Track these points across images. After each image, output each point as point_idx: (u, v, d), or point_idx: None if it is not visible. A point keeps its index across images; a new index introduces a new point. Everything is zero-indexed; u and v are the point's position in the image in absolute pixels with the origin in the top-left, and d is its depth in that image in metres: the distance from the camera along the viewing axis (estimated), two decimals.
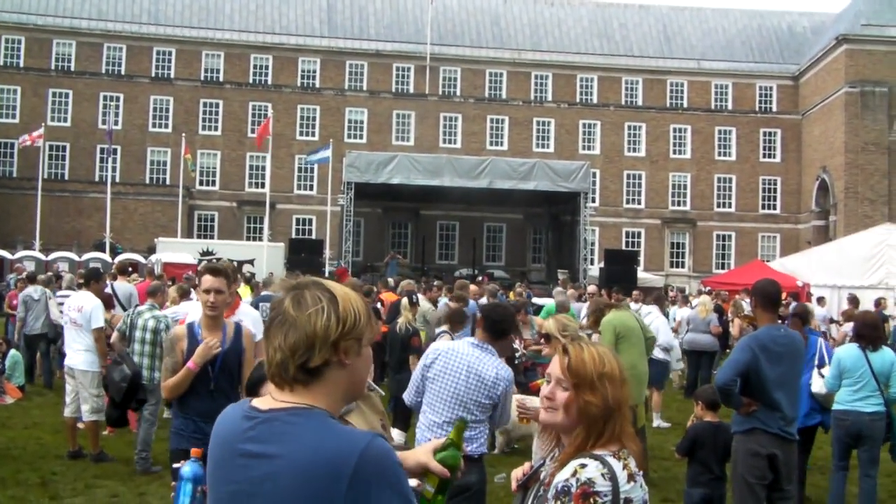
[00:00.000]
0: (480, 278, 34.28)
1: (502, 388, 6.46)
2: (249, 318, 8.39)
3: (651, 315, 16.76)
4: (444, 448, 3.00)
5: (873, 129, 58.17)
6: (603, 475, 3.12)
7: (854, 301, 22.66)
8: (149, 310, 11.67)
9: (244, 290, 20.42)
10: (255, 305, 17.48)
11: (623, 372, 3.34)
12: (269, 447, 2.57)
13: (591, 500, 3.08)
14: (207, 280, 6.71)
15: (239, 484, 2.61)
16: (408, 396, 6.78)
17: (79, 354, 12.02)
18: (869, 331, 9.77)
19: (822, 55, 63.01)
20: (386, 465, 2.53)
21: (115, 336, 11.81)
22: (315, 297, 2.64)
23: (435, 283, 26.31)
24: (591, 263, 44.31)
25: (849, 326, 18.70)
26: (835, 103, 60.25)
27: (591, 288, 23.92)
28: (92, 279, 12.90)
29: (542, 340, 8.46)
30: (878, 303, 23.67)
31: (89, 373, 11.87)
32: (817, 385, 10.20)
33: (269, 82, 65.01)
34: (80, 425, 12.07)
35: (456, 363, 6.50)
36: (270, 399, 2.66)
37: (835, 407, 9.74)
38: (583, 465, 3.14)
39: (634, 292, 22.86)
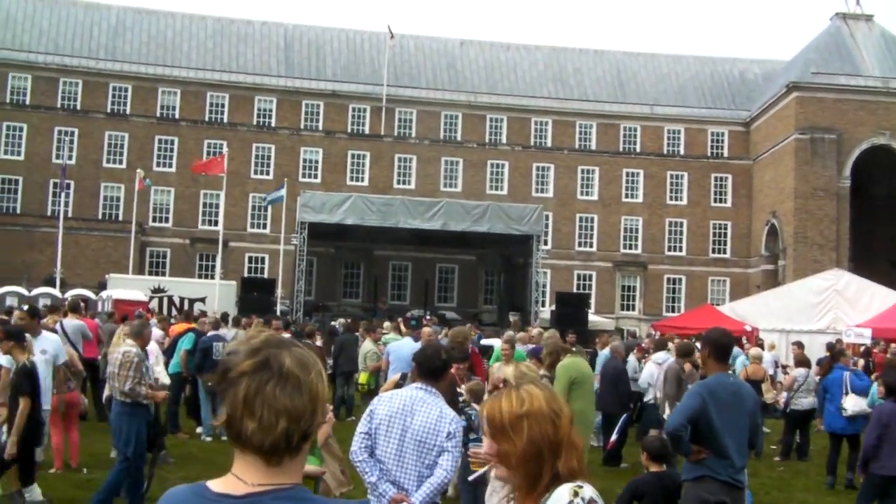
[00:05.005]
0: (425, 321, 34.19)
1: (447, 428, 6.48)
2: None
3: (669, 361, 16.42)
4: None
5: (823, 174, 58.88)
6: (597, 494, 3.10)
7: (800, 346, 22.99)
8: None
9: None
10: (209, 344, 17.55)
11: (556, 407, 3.20)
12: None
13: None
14: None
15: None
16: (354, 449, 6.62)
17: None
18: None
19: (773, 102, 63.86)
20: None
21: None
22: (312, 357, 2.35)
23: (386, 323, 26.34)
24: (543, 306, 44.50)
25: (798, 371, 18.98)
26: (785, 149, 61.00)
27: (536, 330, 23.84)
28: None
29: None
30: (832, 347, 23.84)
31: None
32: (849, 404, 15.41)
33: (225, 120, 64.84)
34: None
35: (399, 406, 6.55)
36: (236, 480, 2.29)
37: None
38: (580, 486, 3.07)
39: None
